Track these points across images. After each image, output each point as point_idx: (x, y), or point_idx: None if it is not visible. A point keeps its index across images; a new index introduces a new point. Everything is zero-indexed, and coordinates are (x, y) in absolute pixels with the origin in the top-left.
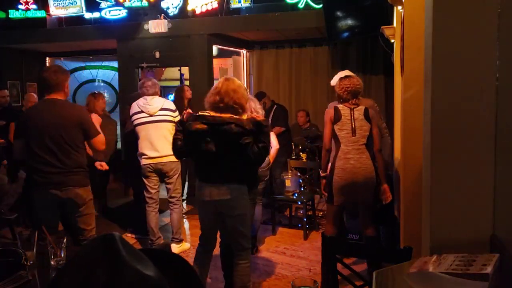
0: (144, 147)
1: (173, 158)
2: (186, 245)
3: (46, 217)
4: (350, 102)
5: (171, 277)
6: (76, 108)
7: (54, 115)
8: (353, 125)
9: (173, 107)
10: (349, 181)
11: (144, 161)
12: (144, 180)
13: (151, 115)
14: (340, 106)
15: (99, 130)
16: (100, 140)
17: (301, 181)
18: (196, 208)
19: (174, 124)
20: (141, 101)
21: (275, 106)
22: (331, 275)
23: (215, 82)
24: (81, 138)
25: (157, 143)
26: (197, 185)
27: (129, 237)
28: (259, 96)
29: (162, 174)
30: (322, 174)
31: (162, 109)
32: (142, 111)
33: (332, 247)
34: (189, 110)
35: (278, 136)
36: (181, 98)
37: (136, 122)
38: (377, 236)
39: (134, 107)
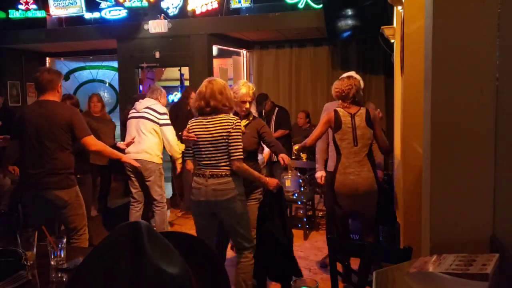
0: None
1: (147, 157)
2: None
3: (38, 217)
4: (343, 105)
5: (193, 258)
6: (65, 108)
7: (40, 116)
8: (354, 134)
9: (161, 110)
10: (350, 194)
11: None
12: (129, 180)
13: (137, 111)
14: (341, 112)
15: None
16: (89, 141)
17: (301, 181)
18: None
19: (157, 125)
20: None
21: (277, 108)
22: (332, 276)
23: None
24: (67, 139)
25: (137, 137)
26: None
27: None
28: (261, 98)
29: (138, 174)
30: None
31: (147, 107)
32: (134, 108)
33: (333, 247)
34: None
35: (281, 138)
36: (184, 97)
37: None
38: (376, 242)
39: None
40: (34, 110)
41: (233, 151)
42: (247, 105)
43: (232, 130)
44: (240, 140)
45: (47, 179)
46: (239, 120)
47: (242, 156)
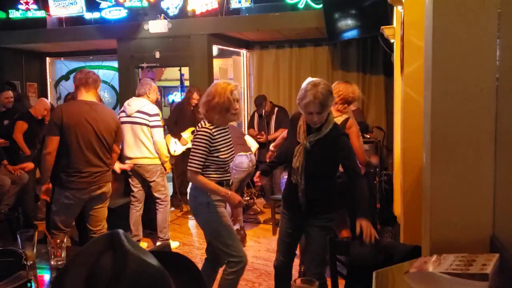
0: (124, 146)
1: (148, 161)
2: (173, 244)
3: (68, 216)
4: (340, 109)
5: (174, 273)
6: (111, 112)
7: (96, 116)
8: None
9: (152, 111)
10: None
11: (125, 160)
12: (129, 178)
13: (128, 116)
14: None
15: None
16: (117, 148)
17: None
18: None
19: (149, 127)
20: (127, 101)
21: (276, 108)
22: (332, 276)
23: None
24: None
25: (132, 144)
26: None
27: None
28: (260, 99)
29: (139, 175)
30: None
31: (138, 111)
32: (124, 111)
33: (333, 247)
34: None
35: None
36: (188, 98)
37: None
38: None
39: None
40: (86, 110)
41: (189, 159)
42: (315, 118)
43: (193, 139)
44: (196, 151)
45: (105, 177)
46: (203, 131)
47: (195, 168)
